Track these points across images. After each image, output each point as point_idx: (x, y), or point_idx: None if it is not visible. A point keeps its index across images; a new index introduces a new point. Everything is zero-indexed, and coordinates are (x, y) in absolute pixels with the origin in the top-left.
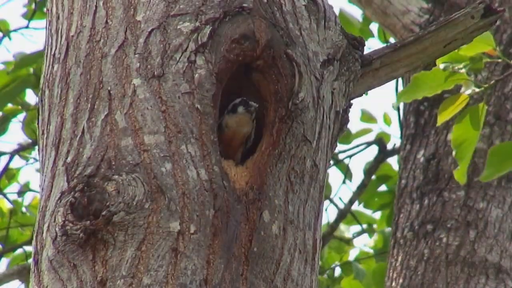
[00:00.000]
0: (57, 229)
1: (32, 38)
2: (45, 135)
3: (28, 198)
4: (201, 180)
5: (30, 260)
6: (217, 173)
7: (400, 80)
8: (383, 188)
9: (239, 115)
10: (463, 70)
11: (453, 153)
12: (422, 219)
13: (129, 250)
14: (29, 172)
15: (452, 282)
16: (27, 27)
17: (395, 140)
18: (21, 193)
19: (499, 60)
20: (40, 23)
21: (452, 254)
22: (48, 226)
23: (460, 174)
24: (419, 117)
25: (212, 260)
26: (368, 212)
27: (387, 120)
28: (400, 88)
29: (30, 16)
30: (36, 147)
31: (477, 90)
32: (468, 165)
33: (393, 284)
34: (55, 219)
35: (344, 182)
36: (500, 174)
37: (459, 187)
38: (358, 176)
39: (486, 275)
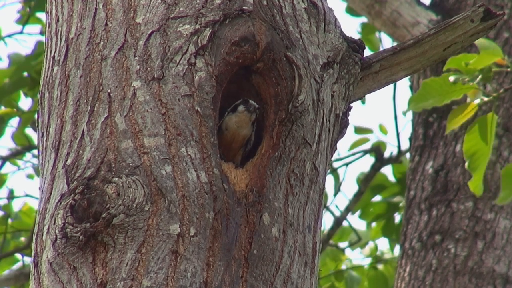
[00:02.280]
0: (57, 231)
1: (26, 44)
2: (45, 138)
3: (18, 204)
4: (201, 182)
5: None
6: (217, 176)
7: (397, 85)
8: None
9: (239, 113)
10: (473, 83)
11: (466, 164)
12: (431, 230)
13: (129, 253)
14: (19, 178)
15: None
16: (21, 32)
17: (392, 148)
18: (10, 198)
19: (508, 70)
20: (34, 28)
21: (460, 265)
22: (48, 229)
23: (475, 186)
24: (428, 129)
25: (212, 262)
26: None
27: (383, 130)
28: (398, 95)
29: (24, 21)
30: (27, 153)
31: (485, 99)
32: (482, 176)
33: None
34: (55, 222)
35: (335, 193)
36: None
37: (468, 198)
38: (354, 184)
39: (493, 285)
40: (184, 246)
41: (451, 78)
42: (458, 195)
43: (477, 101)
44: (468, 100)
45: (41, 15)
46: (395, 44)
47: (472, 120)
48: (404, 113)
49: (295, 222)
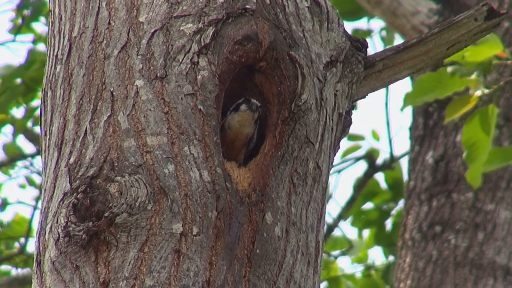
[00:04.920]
0: (59, 230)
1: (18, 52)
2: (48, 136)
3: (9, 214)
4: (204, 181)
5: (20, 271)
6: (219, 175)
7: (390, 89)
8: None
9: (241, 112)
10: (473, 76)
11: (464, 155)
12: (431, 221)
13: (131, 252)
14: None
15: (460, 284)
16: (13, 40)
17: (384, 155)
18: (2, 206)
19: (508, 62)
20: (26, 37)
21: (460, 256)
22: (51, 227)
23: (472, 177)
24: (428, 119)
25: (215, 261)
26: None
27: (375, 136)
28: (392, 97)
29: (16, 30)
30: (18, 162)
31: (486, 91)
32: (481, 167)
33: (401, 285)
34: (57, 220)
35: (327, 200)
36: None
37: (468, 188)
38: (347, 191)
39: (494, 277)
40: (186, 245)
41: (449, 69)
42: (459, 186)
43: (478, 92)
44: (470, 91)
45: (34, 25)
46: (386, 47)
47: (471, 111)
48: (401, 109)
49: (298, 221)
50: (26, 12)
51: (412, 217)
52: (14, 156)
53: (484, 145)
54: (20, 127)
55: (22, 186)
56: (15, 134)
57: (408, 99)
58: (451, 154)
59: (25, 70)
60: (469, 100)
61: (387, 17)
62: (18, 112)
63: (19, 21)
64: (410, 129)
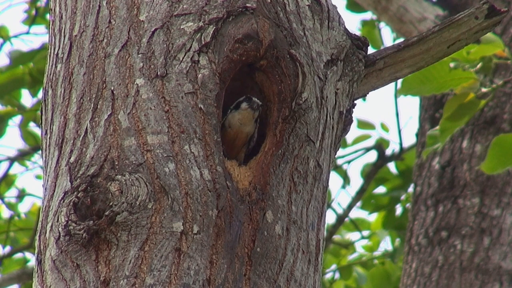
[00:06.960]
0: (60, 229)
1: (32, 44)
2: (48, 135)
3: (26, 204)
4: (204, 180)
5: (30, 264)
6: (220, 173)
7: (399, 82)
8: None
9: (242, 111)
10: (473, 70)
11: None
12: (437, 226)
13: (132, 250)
14: (28, 178)
15: None
16: (27, 32)
17: (394, 146)
18: (19, 198)
19: (508, 62)
20: (40, 28)
21: (466, 261)
22: (51, 226)
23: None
24: (434, 125)
25: (215, 260)
26: (366, 216)
27: (385, 128)
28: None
29: (30, 21)
30: (36, 153)
31: (484, 90)
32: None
33: None
34: (58, 219)
35: (343, 187)
36: (503, 169)
37: (474, 194)
38: (357, 182)
39: (500, 282)
40: (187, 243)
41: (452, 64)
42: (465, 191)
43: (474, 91)
44: (460, 89)
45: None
46: (396, 41)
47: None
48: (397, 94)
49: (299, 219)
50: (39, 3)
51: (418, 223)
52: (32, 146)
53: (450, 131)
54: (29, 118)
55: (38, 177)
56: (23, 125)
57: (405, 83)
58: (457, 160)
59: (33, 55)
60: (466, 99)
61: (394, 23)
62: (28, 101)
63: (33, 12)
64: (417, 135)
